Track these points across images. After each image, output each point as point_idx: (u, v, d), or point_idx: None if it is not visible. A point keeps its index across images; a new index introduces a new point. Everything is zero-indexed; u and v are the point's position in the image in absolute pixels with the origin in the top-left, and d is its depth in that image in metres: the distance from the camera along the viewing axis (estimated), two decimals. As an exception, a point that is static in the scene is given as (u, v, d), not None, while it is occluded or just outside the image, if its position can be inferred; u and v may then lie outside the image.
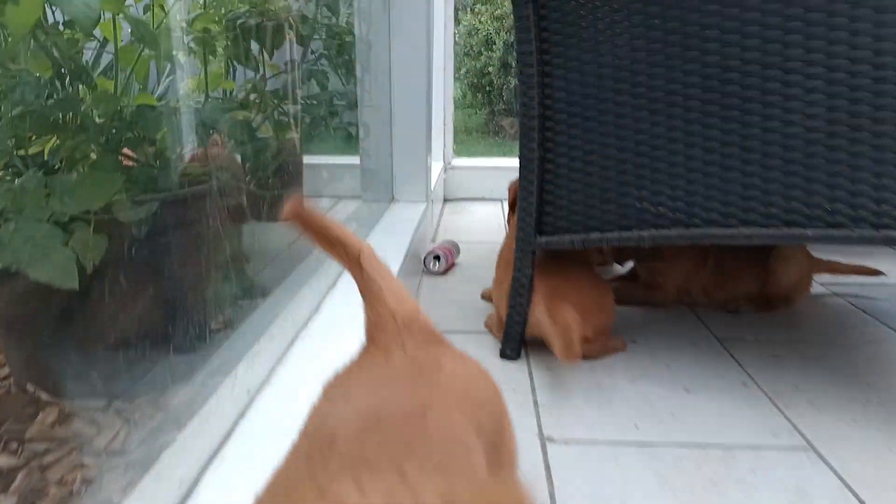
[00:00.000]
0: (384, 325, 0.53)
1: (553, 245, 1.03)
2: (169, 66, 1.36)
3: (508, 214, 1.38)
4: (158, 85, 1.46)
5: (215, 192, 1.17)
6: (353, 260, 0.55)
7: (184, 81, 1.43)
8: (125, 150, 1.12)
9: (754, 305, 1.33)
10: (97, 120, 1.05)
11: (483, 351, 1.15)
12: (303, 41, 1.29)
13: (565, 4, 0.94)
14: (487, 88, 4.92)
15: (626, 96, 0.93)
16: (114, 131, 1.09)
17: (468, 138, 4.81)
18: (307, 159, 1.73)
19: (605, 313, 1.09)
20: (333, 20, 1.40)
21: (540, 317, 1.02)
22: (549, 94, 0.98)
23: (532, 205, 1.02)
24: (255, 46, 1.39)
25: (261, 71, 1.40)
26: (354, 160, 1.89)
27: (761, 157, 0.87)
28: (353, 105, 1.54)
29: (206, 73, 1.39)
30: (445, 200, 2.57)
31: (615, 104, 0.94)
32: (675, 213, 0.94)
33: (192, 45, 1.35)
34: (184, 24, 1.30)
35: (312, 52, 1.32)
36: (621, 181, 0.96)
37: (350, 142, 1.89)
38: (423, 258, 1.58)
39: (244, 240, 1.32)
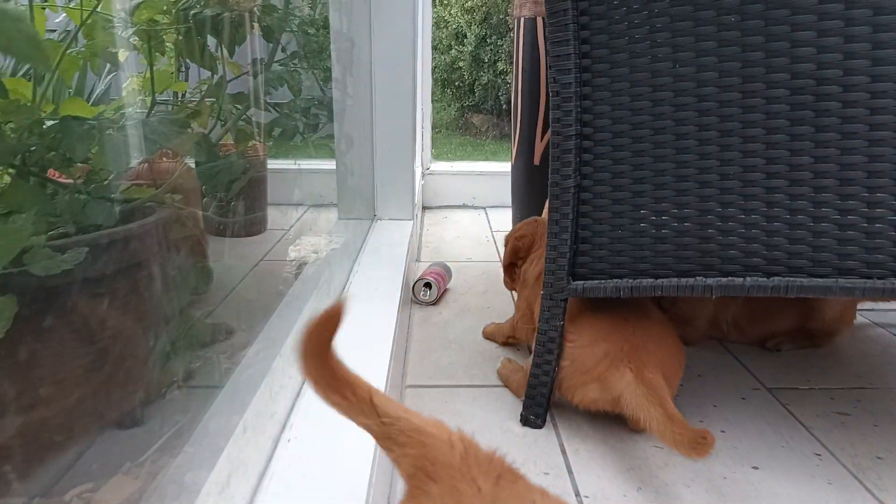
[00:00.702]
0: (441, 461, 0.43)
1: (591, 292, 0.84)
2: (108, 65, 1.12)
3: (505, 273, 1.16)
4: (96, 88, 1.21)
5: (166, 223, 0.95)
6: (364, 401, 0.47)
7: (126, 82, 1.20)
8: (51, 173, 0.89)
9: (795, 341, 1.17)
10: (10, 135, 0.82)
11: (498, 413, 0.95)
12: (271, 36, 1.07)
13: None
14: (457, 84, 4.71)
15: (690, 111, 0.75)
16: (32, 149, 0.86)
17: (437, 136, 4.59)
18: (274, 164, 1.50)
19: (682, 368, 0.90)
20: (308, 12, 1.18)
21: (630, 394, 0.79)
22: (588, 107, 0.79)
23: (566, 242, 0.83)
24: (213, 42, 1.16)
25: (220, 71, 1.17)
26: (329, 165, 1.67)
27: (861, 195, 0.69)
28: (330, 113, 1.32)
29: (152, 72, 1.15)
30: (424, 209, 2.36)
31: (675, 121, 0.76)
32: (751, 256, 0.76)
33: (136, 39, 1.11)
34: (124, 14, 1.05)
35: (283, 50, 1.10)
36: (680, 216, 0.78)
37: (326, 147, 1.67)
38: (411, 286, 1.38)
39: (202, 272, 1.10)
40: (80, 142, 0.82)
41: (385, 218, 1.51)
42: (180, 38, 1.12)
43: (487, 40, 4.33)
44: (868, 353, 1.16)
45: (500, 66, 4.27)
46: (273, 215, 1.64)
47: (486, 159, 3.63)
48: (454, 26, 4.48)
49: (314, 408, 0.75)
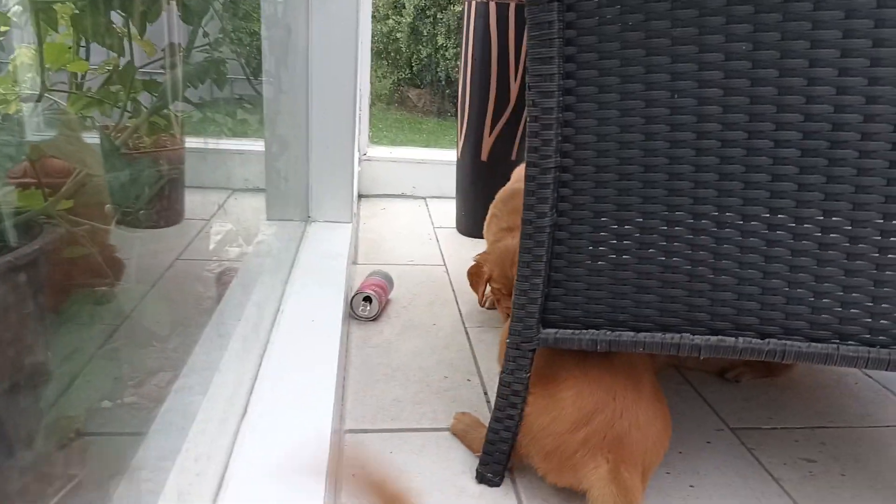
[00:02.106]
0: None
1: (564, 343, 0.74)
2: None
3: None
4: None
5: (56, 246, 0.78)
6: None
7: (13, 54, 1.00)
8: None
9: (754, 372, 1.12)
10: None
11: (450, 467, 0.85)
12: (190, 18, 0.89)
13: (605, 9, 0.64)
14: (394, 55, 4.51)
15: (686, 149, 0.65)
16: None
17: (372, 111, 4.39)
18: (193, 143, 1.32)
19: (665, 449, 0.78)
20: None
21: (599, 491, 0.69)
22: (570, 135, 0.68)
23: (537, 287, 0.73)
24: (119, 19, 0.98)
25: (126, 53, 0.98)
26: (257, 146, 1.50)
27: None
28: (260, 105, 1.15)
29: (41, 52, 0.96)
30: (360, 197, 2.21)
31: (669, 158, 0.66)
32: (744, 315, 0.68)
33: (18, 11, 0.92)
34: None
35: (205, 35, 0.93)
36: (668, 265, 0.69)
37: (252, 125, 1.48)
38: (349, 300, 1.25)
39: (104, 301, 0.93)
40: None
41: (320, 220, 1.36)
42: (77, 12, 0.93)
43: (427, 12, 4.15)
44: (824, 384, 1.13)
45: (440, 40, 4.10)
46: (191, 200, 1.46)
47: (426, 142, 3.49)
48: (392, -5, 4.27)
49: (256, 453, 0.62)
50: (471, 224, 1.86)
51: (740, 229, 0.66)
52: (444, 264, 1.63)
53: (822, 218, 0.63)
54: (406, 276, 1.49)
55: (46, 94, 0.97)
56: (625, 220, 0.69)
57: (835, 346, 0.66)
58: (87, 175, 0.81)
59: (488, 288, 1.23)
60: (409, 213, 2.09)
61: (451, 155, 2.29)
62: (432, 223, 1.98)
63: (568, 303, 0.73)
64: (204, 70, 0.88)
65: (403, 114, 4.40)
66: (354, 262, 1.55)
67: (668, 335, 0.71)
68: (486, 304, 1.34)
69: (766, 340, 0.68)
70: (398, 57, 4.43)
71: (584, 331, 0.73)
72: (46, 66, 0.95)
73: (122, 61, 1.03)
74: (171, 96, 0.90)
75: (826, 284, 0.65)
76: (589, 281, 0.72)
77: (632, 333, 0.72)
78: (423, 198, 2.26)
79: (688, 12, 0.62)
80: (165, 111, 1.05)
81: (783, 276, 0.66)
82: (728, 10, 0.61)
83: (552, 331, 0.74)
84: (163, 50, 0.91)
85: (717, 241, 0.67)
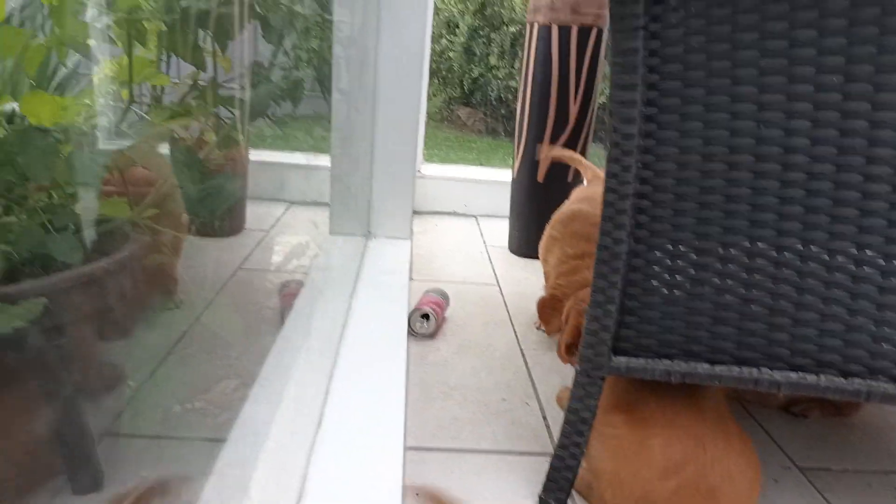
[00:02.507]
0: None
1: (636, 372, 0.73)
2: (76, 56, 0.97)
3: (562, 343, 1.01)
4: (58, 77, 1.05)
5: (141, 254, 0.81)
6: None
7: (98, 66, 1.04)
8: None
9: (822, 409, 1.09)
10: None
11: (511, 489, 0.85)
12: (273, 37, 0.93)
13: (691, 38, 0.64)
14: (446, 74, 4.56)
15: (771, 180, 0.64)
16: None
17: (422, 127, 4.44)
18: (257, 155, 1.35)
19: (756, 496, 0.76)
20: (317, 11, 1.03)
21: None
22: (650, 162, 0.68)
23: (610, 313, 0.72)
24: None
25: (208, 69, 1.02)
26: (317, 160, 1.53)
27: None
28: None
29: (130, 67, 1.00)
30: (413, 213, 2.23)
31: (752, 190, 0.65)
32: (826, 352, 0.66)
33: (114, 28, 0.96)
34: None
35: (285, 54, 0.96)
36: (748, 297, 0.68)
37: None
38: (407, 316, 1.26)
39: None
40: (42, 160, 0.68)
41: (381, 236, 1.38)
42: (166, 29, 0.97)
43: (480, 32, 4.19)
44: (895, 424, 1.09)
45: (493, 60, 4.13)
46: (252, 210, 1.49)
47: (477, 160, 3.50)
48: (446, 14, 4.32)
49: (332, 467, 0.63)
50: (523, 244, 1.86)
51: (825, 264, 0.64)
52: (498, 284, 1.63)
53: (914, 255, 0.61)
54: (460, 295, 1.49)
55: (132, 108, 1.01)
56: (703, 250, 0.68)
57: (925, 388, 0.63)
58: (171, 186, 0.84)
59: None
60: (461, 230, 2.10)
61: (502, 174, 2.31)
62: (484, 242, 1.99)
63: (641, 331, 0.73)
64: (285, 89, 0.91)
65: (454, 132, 4.44)
66: (410, 279, 1.56)
67: (746, 369, 0.69)
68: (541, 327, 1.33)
69: (850, 380, 0.66)
70: (450, 75, 4.48)
71: (658, 360, 0.72)
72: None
73: (203, 75, 1.07)
74: (253, 113, 0.93)
75: (917, 324, 0.63)
76: (664, 310, 0.71)
77: (707, 366, 0.71)
78: (475, 216, 2.27)
79: (777, 43, 0.61)
80: (240, 126, 1.08)
81: (869, 313, 0.64)
82: (820, 41, 0.60)
83: (624, 359, 0.74)
84: (243, 67, 0.95)
85: (800, 275, 0.65)
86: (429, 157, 3.32)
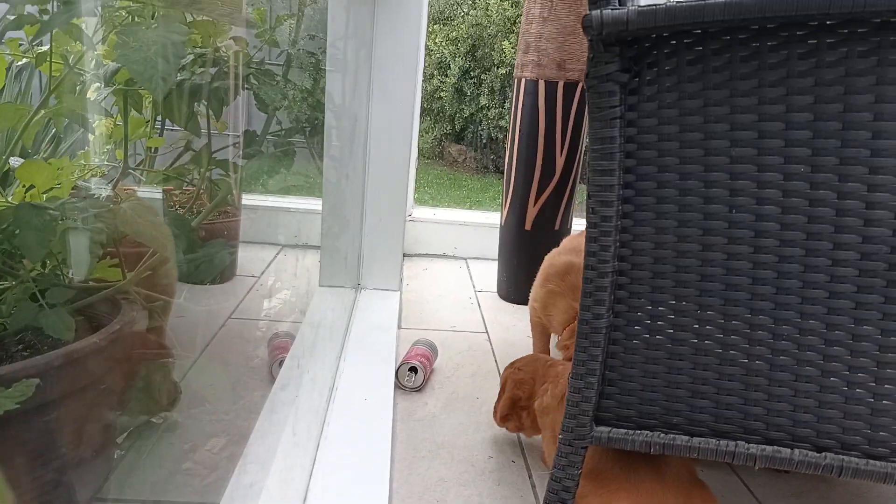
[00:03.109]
0: None
1: (617, 443, 0.75)
2: (72, 126, 1.00)
3: (503, 422, 1.06)
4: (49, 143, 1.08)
5: (133, 326, 0.83)
6: None
7: (94, 123, 1.07)
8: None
9: (803, 465, 1.10)
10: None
11: (497, 555, 0.85)
12: (266, 107, 0.96)
13: (664, 128, 0.67)
14: (437, 112, 4.63)
15: (743, 262, 0.67)
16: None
17: (413, 163, 4.49)
18: (250, 200, 1.37)
19: None
20: (309, 82, 1.07)
21: None
22: (627, 241, 0.71)
23: (592, 385, 0.74)
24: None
25: (202, 135, 1.05)
26: (307, 204, 1.55)
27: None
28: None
29: (126, 132, 1.03)
30: (403, 256, 2.25)
31: (725, 270, 0.68)
32: (800, 427, 0.68)
33: (110, 98, 0.99)
34: (98, 72, 0.94)
35: (278, 123, 0.99)
36: (724, 373, 0.70)
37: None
38: (395, 369, 1.27)
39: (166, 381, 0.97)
40: (38, 239, 0.70)
41: (370, 287, 1.40)
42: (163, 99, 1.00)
43: (471, 73, 4.27)
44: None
45: (483, 100, 4.21)
46: (243, 254, 1.51)
47: (467, 198, 3.55)
48: (438, 56, 4.41)
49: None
50: (512, 290, 1.88)
51: (797, 342, 0.67)
52: (486, 331, 1.65)
53: (879, 337, 0.64)
54: (448, 343, 1.51)
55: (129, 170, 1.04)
56: (680, 325, 0.71)
57: (894, 464, 0.65)
58: (164, 257, 0.86)
59: None
60: (451, 274, 2.12)
61: (491, 217, 2.34)
62: (473, 286, 2.01)
63: (622, 402, 0.75)
64: (278, 159, 0.94)
65: (444, 169, 4.50)
66: (398, 327, 1.58)
67: (723, 442, 0.71)
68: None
69: (823, 454, 0.68)
70: (441, 115, 4.55)
71: (638, 432, 0.74)
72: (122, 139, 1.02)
73: (196, 141, 1.10)
74: (247, 185, 0.96)
75: (885, 402, 0.65)
76: (643, 381, 0.73)
77: (686, 438, 0.72)
78: (465, 258, 2.30)
79: (746, 134, 0.64)
80: (231, 184, 1.11)
81: (840, 391, 0.66)
82: (786, 134, 0.63)
83: (605, 429, 0.75)
84: (238, 136, 0.98)
85: (773, 351, 0.68)
86: (420, 195, 3.35)
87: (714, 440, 0.71)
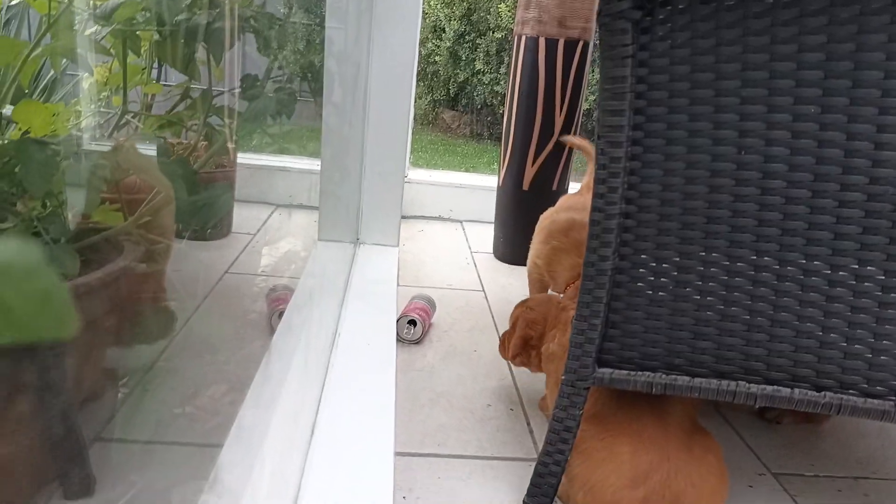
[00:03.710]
0: None
1: (619, 384, 0.76)
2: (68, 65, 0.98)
3: (513, 359, 1.06)
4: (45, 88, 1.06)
5: (135, 265, 0.82)
6: None
7: (90, 77, 1.05)
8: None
9: (795, 416, 1.13)
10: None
11: (497, 496, 0.87)
12: (267, 48, 0.94)
13: (676, 67, 0.67)
14: (431, 77, 4.58)
15: (750, 203, 0.67)
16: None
17: (407, 129, 4.46)
18: (245, 158, 1.35)
19: (721, 499, 0.80)
20: (311, 24, 1.05)
21: None
22: (635, 183, 0.71)
23: (595, 327, 0.75)
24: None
25: (202, 79, 1.03)
26: (307, 164, 1.53)
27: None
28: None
29: (125, 76, 1.01)
30: (399, 218, 2.25)
31: (732, 211, 0.68)
32: (800, 367, 0.69)
33: (108, 38, 0.96)
34: (94, 10, 0.91)
35: (280, 68, 0.97)
36: (726, 314, 0.71)
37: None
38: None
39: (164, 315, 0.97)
40: (41, 173, 0.69)
41: (369, 242, 1.40)
42: (161, 40, 0.98)
43: (466, 37, 4.21)
44: (865, 433, 1.13)
45: (478, 65, 4.16)
46: (238, 213, 1.50)
47: (461, 164, 3.53)
48: (432, 19, 4.34)
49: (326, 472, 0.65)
50: (508, 251, 1.89)
51: (800, 283, 0.68)
52: (483, 290, 1.66)
53: (882, 277, 0.65)
54: (446, 301, 1.51)
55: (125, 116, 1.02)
56: (685, 268, 0.71)
57: (892, 402, 0.67)
58: (167, 197, 0.85)
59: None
60: (447, 236, 2.12)
61: (487, 180, 2.33)
62: (469, 248, 2.01)
63: (625, 344, 0.76)
64: (280, 102, 0.92)
65: (438, 135, 4.46)
66: (397, 285, 1.58)
67: (724, 382, 0.72)
68: None
69: (822, 393, 0.69)
70: (435, 79, 4.50)
71: (640, 373, 0.75)
72: (119, 86, 1.00)
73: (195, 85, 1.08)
74: (249, 127, 0.94)
75: (885, 342, 0.66)
76: (646, 324, 0.74)
77: (687, 378, 0.74)
78: (460, 221, 2.29)
79: (757, 74, 0.64)
80: (227, 132, 1.10)
81: (841, 330, 0.67)
82: (798, 74, 0.63)
83: (608, 370, 0.77)
84: (241, 80, 0.96)
85: (776, 293, 0.69)
86: (414, 160, 3.33)
87: (715, 380, 0.73)
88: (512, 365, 1.24)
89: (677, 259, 0.71)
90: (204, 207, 0.85)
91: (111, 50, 1.02)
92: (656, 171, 0.70)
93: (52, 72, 1.08)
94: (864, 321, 0.66)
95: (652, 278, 0.73)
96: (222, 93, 1.07)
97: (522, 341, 1.01)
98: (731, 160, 0.67)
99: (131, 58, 1.04)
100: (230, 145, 1.12)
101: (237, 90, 1.06)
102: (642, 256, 0.73)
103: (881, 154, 0.62)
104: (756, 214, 0.67)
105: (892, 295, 0.65)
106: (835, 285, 0.67)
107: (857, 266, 0.65)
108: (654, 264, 0.72)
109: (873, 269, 0.65)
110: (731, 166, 0.67)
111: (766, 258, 0.68)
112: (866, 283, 0.66)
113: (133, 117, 1.11)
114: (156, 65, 1.11)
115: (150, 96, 1.15)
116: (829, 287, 0.67)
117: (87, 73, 1.02)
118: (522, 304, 1.07)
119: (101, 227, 0.86)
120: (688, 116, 0.67)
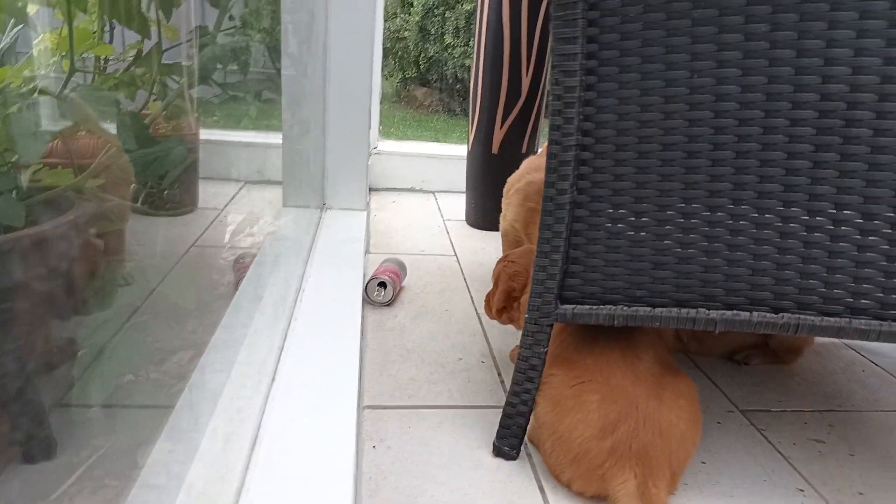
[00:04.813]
0: None
1: (581, 318, 0.76)
2: (13, 21, 0.95)
3: (498, 315, 1.05)
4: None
5: (87, 221, 0.80)
6: None
7: (37, 39, 1.02)
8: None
9: (762, 356, 1.14)
10: None
11: (467, 441, 0.87)
12: (217, 1, 0.92)
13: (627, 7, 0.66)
14: (401, 54, 4.53)
15: (704, 127, 0.67)
16: None
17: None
18: (208, 134, 1.33)
19: (694, 447, 0.79)
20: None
21: (626, 497, 0.72)
22: (591, 114, 0.70)
23: (556, 263, 0.75)
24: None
25: (152, 36, 1.01)
26: (270, 138, 1.51)
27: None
28: (279, 89, 1.17)
29: (70, 31, 0.98)
30: (370, 190, 2.23)
31: (687, 137, 0.68)
32: (758, 290, 0.70)
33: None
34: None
35: (231, 18, 0.95)
36: (684, 241, 0.71)
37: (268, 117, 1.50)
38: (364, 285, 1.27)
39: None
40: (-22, 122, 0.66)
41: (336, 207, 1.38)
42: (106, -5, 0.95)
43: (435, 11, 4.17)
44: (832, 370, 1.15)
45: (448, 39, 4.13)
46: (204, 190, 1.47)
47: (435, 138, 3.50)
48: (401, -7, 4.29)
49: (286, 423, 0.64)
50: (480, 216, 1.88)
51: (756, 206, 0.68)
52: (455, 254, 1.65)
53: (835, 194, 0.65)
54: (418, 265, 1.51)
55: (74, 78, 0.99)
56: (642, 199, 0.71)
57: (847, 320, 0.68)
58: (117, 151, 0.83)
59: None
60: (419, 206, 2.11)
61: (460, 150, 2.32)
62: (442, 216, 2.00)
63: (586, 279, 0.75)
64: (230, 52, 0.90)
65: (410, 112, 4.43)
66: (367, 252, 1.57)
67: (684, 310, 0.72)
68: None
69: (780, 315, 0.70)
70: (405, 55, 4.45)
71: (602, 306, 0.75)
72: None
73: (147, 45, 1.05)
74: (200, 77, 0.92)
75: (839, 260, 0.67)
76: (607, 258, 0.74)
77: (648, 309, 0.74)
78: (433, 192, 2.28)
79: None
80: (186, 95, 1.07)
81: (797, 251, 0.68)
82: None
83: (570, 307, 0.76)
84: (190, 32, 0.93)
85: (733, 217, 0.69)
86: (386, 137, 3.30)
87: (676, 309, 0.73)
88: (485, 320, 1.24)
89: (635, 189, 0.71)
90: (157, 160, 0.82)
91: (57, 9, 0.99)
92: (611, 101, 0.69)
93: (3, 42, 1.05)
94: (819, 240, 0.67)
95: (611, 210, 0.73)
96: (178, 46, 1.04)
97: (506, 294, 1.00)
98: (683, 84, 0.67)
99: (83, 21, 1.00)
100: (188, 105, 1.09)
101: (191, 48, 1.03)
102: (600, 189, 0.72)
103: (831, 70, 0.62)
104: (711, 138, 0.67)
105: (846, 212, 0.66)
106: (790, 205, 0.67)
107: (810, 184, 0.66)
108: (612, 196, 0.72)
109: (827, 187, 0.65)
110: (685, 90, 0.67)
111: (722, 182, 0.68)
112: (821, 202, 0.66)
113: (83, 72, 1.07)
114: (108, 29, 1.08)
115: (103, 60, 1.12)
116: (784, 208, 0.67)
117: (41, 32, 0.99)
118: (504, 258, 1.06)
119: (52, 187, 0.83)
120: (640, 41, 0.67)
